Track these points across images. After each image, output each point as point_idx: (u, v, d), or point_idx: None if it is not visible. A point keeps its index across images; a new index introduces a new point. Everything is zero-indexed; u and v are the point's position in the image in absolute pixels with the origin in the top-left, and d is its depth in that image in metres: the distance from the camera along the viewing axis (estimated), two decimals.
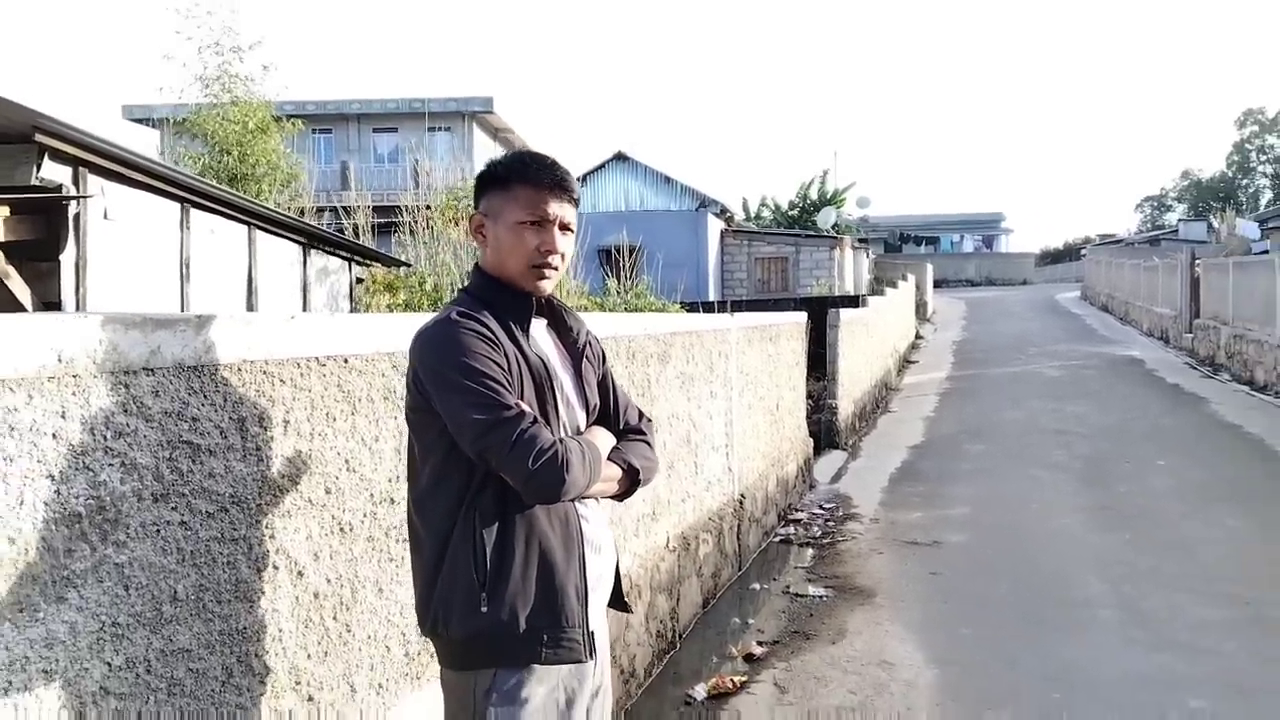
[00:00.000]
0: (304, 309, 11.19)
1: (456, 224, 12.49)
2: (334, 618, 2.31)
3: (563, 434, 1.99)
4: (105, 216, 7.15)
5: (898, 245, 61.02)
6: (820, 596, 5.81)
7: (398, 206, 13.73)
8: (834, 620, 5.38)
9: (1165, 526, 7.18)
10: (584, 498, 2.01)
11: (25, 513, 1.53)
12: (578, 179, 3.37)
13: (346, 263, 12.67)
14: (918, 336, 24.61)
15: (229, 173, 15.09)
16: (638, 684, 4.40)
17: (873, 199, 43.39)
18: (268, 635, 2.08)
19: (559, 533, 1.98)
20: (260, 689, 2.05)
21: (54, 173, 6.58)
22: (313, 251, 11.55)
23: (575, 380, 2.13)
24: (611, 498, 2.12)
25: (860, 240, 35.11)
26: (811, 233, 30.44)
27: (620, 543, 4.06)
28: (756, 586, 6.13)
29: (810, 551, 6.93)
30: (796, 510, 8.03)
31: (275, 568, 2.11)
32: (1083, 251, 48.05)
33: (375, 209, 14.92)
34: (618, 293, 12.86)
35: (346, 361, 2.36)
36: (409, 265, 13.00)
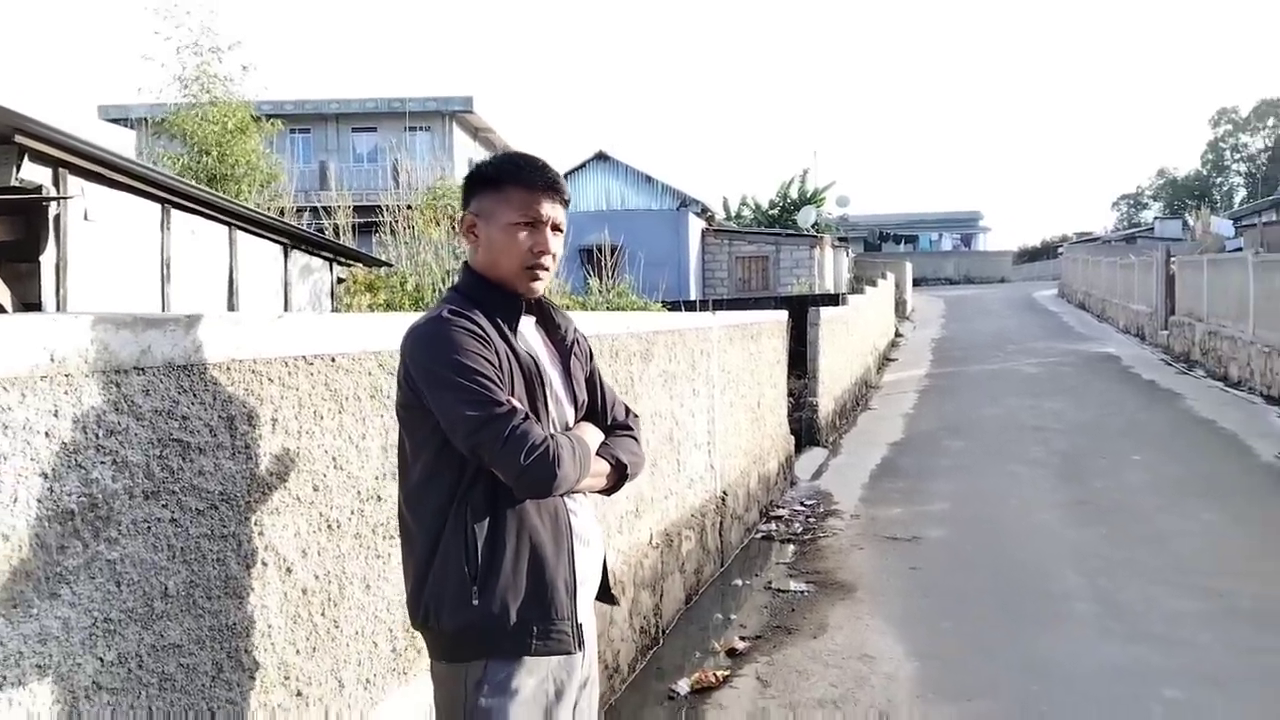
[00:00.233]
0: (285, 310, 11.16)
1: (437, 224, 12.48)
2: (322, 614, 2.33)
3: (553, 430, 2.02)
4: (85, 217, 7.12)
5: (877, 244, 61.29)
6: (802, 592, 5.87)
7: (378, 206, 13.69)
8: (815, 615, 5.44)
9: (1141, 521, 7.28)
10: (573, 492, 2.05)
11: (19, 510, 1.55)
12: None
13: (328, 263, 12.63)
14: (897, 334, 24.76)
15: (208, 173, 15.02)
16: (621, 679, 4.44)
17: (852, 198, 43.62)
18: (257, 631, 2.10)
19: (549, 527, 2.01)
20: (250, 684, 2.07)
21: (34, 174, 6.55)
22: (294, 252, 11.52)
23: (564, 377, 2.16)
24: (600, 492, 2.16)
25: (840, 239, 35.25)
26: (792, 232, 30.54)
27: (604, 539, 4.09)
28: (739, 582, 6.17)
29: (792, 547, 6.98)
30: (778, 507, 8.09)
31: (264, 564, 2.13)
32: (1060, 249, 48.39)
33: (355, 209, 14.86)
34: (600, 292, 12.89)
35: (333, 360, 2.38)
36: (390, 265, 12.98)
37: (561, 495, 2.02)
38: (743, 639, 5.08)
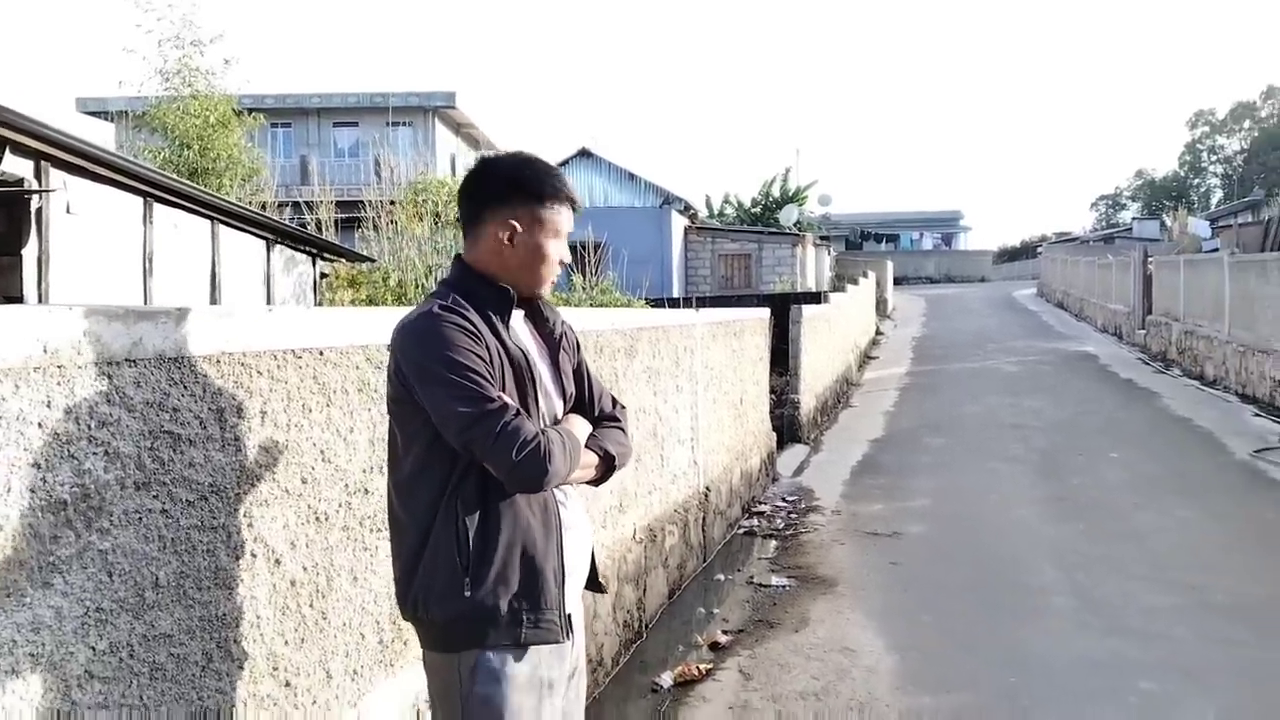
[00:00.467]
0: (269, 305, 11.11)
1: (420, 219, 12.45)
2: (310, 605, 2.35)
3: (543, 423, 2.05)
4: (68, 211, 7.08)
5: (859, 242, 61.47)
6: (783, 586, 5.91)
7: (360, 201, 13.64)
8: (797, 609, 5.48)
9: (1118, 517, 7.37)
10: (563, 484, 2.08)
11: (12, 500, 1.57)
12: None
13: (311, 258, 12.59)
14: (878, 333, 24.87)
15: (190, 167, 14.94)
16: (605, 673, 4.47)
17: (834, 196, 43.79)
18: (246, 622, 2.12)
19: (539, 518, 2.04)
20: (239, 674, 2.09)
21: (15, 166, 6.51)
22: (277, 247, 11.48)
23: (553, 370, 2.19)
24: (588, 483, 2.19)
25: (822, 237, 35.37)
26: (774, 230, 30.64)
27: (592, 530, 4.11)
28: (721, 577, 6.21)
29: (773, 543, 7.03)
30: (760, 503, 8.14)
31: (253, 555, 2.14)
32: (1039, 249, 48.77)
33: (337, 204, 14.80)
34: (583, 289, 12.88)
35: (322, 354, 2.40)
36: (373, 261, 12.94)
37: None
38: (725, 633, 5.12)
